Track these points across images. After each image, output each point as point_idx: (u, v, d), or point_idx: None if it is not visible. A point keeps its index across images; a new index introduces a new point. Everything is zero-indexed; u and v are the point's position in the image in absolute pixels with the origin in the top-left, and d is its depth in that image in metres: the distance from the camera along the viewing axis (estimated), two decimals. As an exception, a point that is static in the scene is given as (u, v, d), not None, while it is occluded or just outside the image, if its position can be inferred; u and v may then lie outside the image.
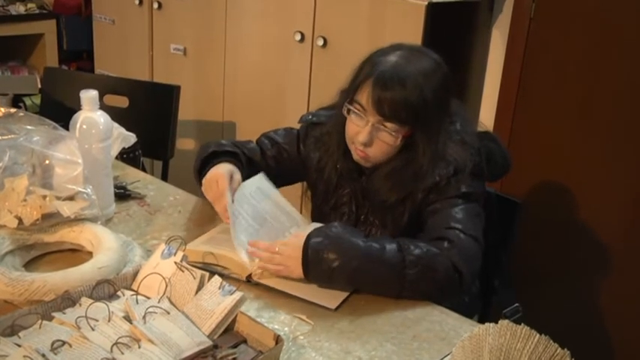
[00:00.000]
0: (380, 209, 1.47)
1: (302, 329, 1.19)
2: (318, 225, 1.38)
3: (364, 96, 1.38)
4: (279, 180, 1.65)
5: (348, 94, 1.42)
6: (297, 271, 1.29)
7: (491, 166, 1.48)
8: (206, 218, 1.56)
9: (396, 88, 1.34)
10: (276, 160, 1.63)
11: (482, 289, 1.63)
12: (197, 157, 1.58)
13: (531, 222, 2.22)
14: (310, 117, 1.62)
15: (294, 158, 1.63)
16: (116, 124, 1.61)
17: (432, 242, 1.33)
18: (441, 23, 2.11)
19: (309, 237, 1.30)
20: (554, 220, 2.32)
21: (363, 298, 1.29)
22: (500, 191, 1.71)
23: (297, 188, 1.72)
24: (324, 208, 1.57)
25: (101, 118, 1.49)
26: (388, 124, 1.37)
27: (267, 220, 1.47)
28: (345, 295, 1.29)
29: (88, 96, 1.46)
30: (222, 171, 1.46)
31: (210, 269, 1.31)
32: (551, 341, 0.94)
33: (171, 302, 1.13)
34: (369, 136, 1.38)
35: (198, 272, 1.16)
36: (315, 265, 1.27)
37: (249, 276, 1.33)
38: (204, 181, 1.49)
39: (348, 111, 1.40)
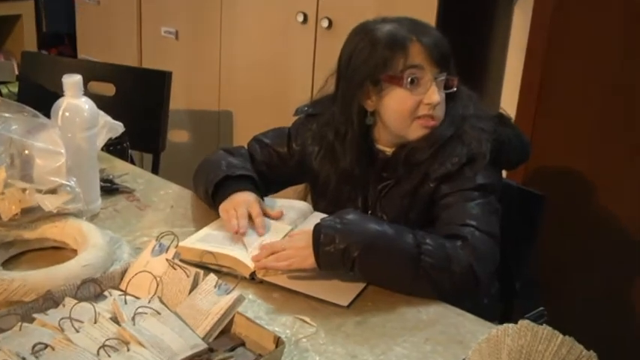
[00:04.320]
0: (391, 203, 1.50)
1: (305, 331, 1.20)
2: (323, 215, 1.41)
3: (409, 57, 1.40)
4: (274, 186, 1.68)
5: (369, 77, 1.44)
6: (309, 259, 1.32)
7: (508, 153, 1.50)
8: (201, 214, 1.58)
9: (432, 30, 1.45)
10: (267, 164, 1.66)
11: (503, 290, 1.64)
12: (202, 171, 1.60)
13: (557, 217, 2.22)
14: (306, 108, 1.65)
15: (287, 160, 1.65)
16: (102, 112, 1.63)
17: (446, 239, 1.35)
18: (456, 1, 2.12)
19: (321, 220, 1.34)
20: (582, 215, 2.31)
21: (371, 298, 1.31)
22: (521, 184, 1.71)
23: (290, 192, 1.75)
24: (328, 209, 1.59)
25: (86, 104, 1.50)
26: (444, 74, 1.43)
27: (270, 228, 1.50)
28: (357, 290, 1.32)
29: (72, 81, 1.47)
30: (251, 198, 1.49)
31: (206, 267, 1.33)
32: (576, 343, 0.95)
33: (162, 302, 1.14)
34: (440, 93, 1.43)
35: (192, 270, 1.17)
36: (326, 246, 1.30)
37: (253, 273, 1.35)
38: (226, 205, 1.49)
39: (409, 82, 1.41)
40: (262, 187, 1.58)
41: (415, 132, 1.46)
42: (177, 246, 1.29)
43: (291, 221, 1.52)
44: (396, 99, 1.44)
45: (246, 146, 1.69)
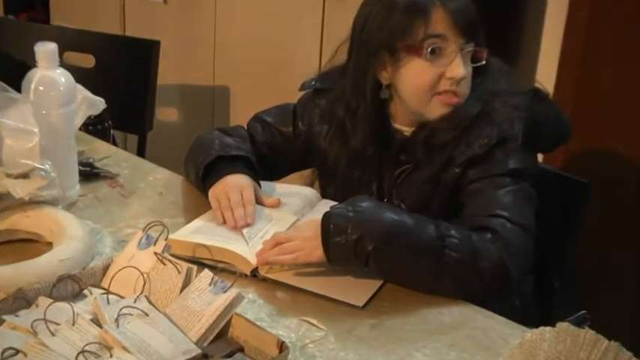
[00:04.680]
0: (410, 190, 1.51)
1: (312, 335, 1.21)
2: (332, 203, 1.42)
3: (430, 24, 1.41)
4: (278, 171, 1.69)
5: (385, 45, 1.44)
6: (317, 252, 1.32)
7: (544, 134, 1.50)
8: (194, 202, 1.58)
9: None
10: (269, 146, 1.67)
11: (539, 290, 1.64)
12: (194, 152, 1.61)
13: (602, 207, 2.21)
14: (314, 82, 1.65)
15: (292, 140, 1.66)
16: (80, 86, 1.63)
17: (473, 231, 1.35)
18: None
19: (330, 208, 1.34)
20: (631, 205, 2.31)
21: (388, 298, 1.31)
22: (560, 169, 1.71)
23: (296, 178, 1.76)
24: (338, 195, 1.59)
25: (62, 77, 1.50)
26: (471, 44, 1.43)
27: (272, 219, 1.50)
28: (373, 289, 1.32)
29: (46, 50, 1.47)
30: (246, 182, 1.51)
31: (200, 262, 1.34)
32: (623, 349, 0.95)
33: (150, 302, 1.14)
34: (465, 66, 1.42)
35: (184, 265, 1.18)
36: (336, 236, 1.30)
37: (255, 270, 1.35)
38: (217, 190, 1.50)
39: (429, 52, 1.42)
40: (263, 172, 1.59)
41: (435, 110, 1.46)
42: (167, 238, 1.30)
43: (296, 210, 1.53)
44: (414, 71, 1.44)
45: (245, 126, 1.70)
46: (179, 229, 1.44)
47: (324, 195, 1.63)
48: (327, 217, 1.33)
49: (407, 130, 1.52)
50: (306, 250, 1.33)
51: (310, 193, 1.61)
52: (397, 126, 1.53)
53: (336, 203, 1.41)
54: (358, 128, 1.52)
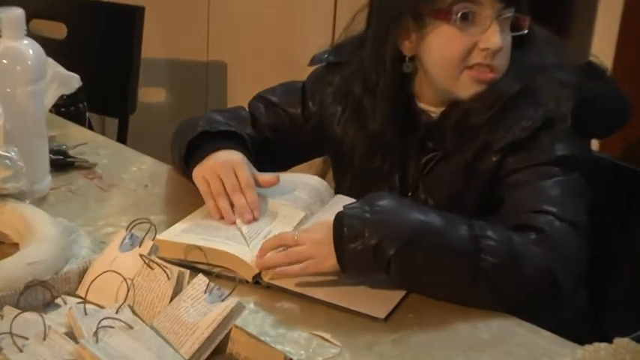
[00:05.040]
0: (439, 183, 1.52)
1: (325, 352, 1.21)
2: (348, 199, 1.43)
3: None
4: (285, 158, 1.71)
5: (408, 9, 1.45)
6: (330, 260, 1.33)
7: (599, 116, 1.50)
8: (185, 197, 1.59)
9: None
10: (273, 129, 1.68)
11: (593, 300, 1.64)
12: (178, 134, 1.63)
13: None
14: (326, 56, 1.66)
15: (301, 124, 1.68)
16: (51, 60, 1.64)
17: (514, 231, 1.36)
18: None
19: (343, 208, 1.34)
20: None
21: (414, 309, 1.32)
22: (618, 158, 1.71)
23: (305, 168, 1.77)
24: (354, 187, 1.62)
25: (29, 49, 1.51)
26: (510, 9, 1.43)
27: (277, 214, 1.52)
28: (395, 299, 1.33)
29: (10, 17, 1.47)
30: (237, 158, 1.52)
31: (193, 266, 1.35)
32: (692, 368, 0.96)
33: (135, 313, 1.15)
34: (502, 35, 1.42)
35: (175, 269, 1.19)
36: (351, 242, 1.30)
37: (258, 275, 1.36)
38: (203, 168, 1.52)
39: (459, 18, 1.42)
40: (267, 160, 1.60)
41: (466, 87, 1.46)
42: (154, 238, 1.30)
43: (304, 205, 1.54)
44: (442, 39, 1.44)
45: (246, 107, 1.71)
46: (168, 228, 1.45)
47: (339, 188, 1.64)
48: (340, 220, 1.33)
49: (434, 112, 1.52)
50: (317, 258, 1.34)
51: (318, 183, 1.61)
52: (423, 106, 1.53)
53: (351, 200, 1.42)
54: (377, 108, 1.52)
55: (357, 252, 1.30)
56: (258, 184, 1.51)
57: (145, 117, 2.51)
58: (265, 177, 1.53)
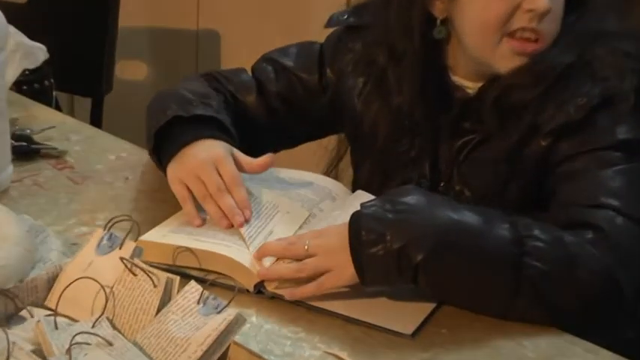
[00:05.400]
0: (477, 172, 1.51)
1: (341, 374, 1.22)
2: (368, 196, 1.42)
3: None
4: (294, 134, 1.73)
5: None
6: (348, 271, 1.33)
7: None
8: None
9: None
10: (284, 99, 1.68)
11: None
12: (149, 114, 1.62)
13: None
14: (346, 17, 1.66)
15: (316, 94, 1.68)
16: (13, 29, 1.65)
17: (567, 230, 1.35)
18: None
19: (360, 207, 1.34)
20: None
21: (446, 324, 1.32)
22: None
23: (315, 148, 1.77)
24: (375, 174, 1.62)
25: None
26: None
27: (278, 209, 1.52)
28: (424, 312, 1.33)
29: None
30: (218, 151, 1.50)
31: (184, 272, 1.35)
32: None
33: (115, 327, 1.16)
34: None
35: (162, 275, 1.19)
36: (371, 246, 1.30)
37: (261, 284, 1.36)
38: (179, 170, 1.51)
39: None
40: (273, 136, 1.63)
41: (504, 60, 1.47)
42: (137, 239, 1.31)
43: (309, 204, 1.54)
44: (478, 1, 1.45)
45: (249, 70, 1.71)
46: (154, 227, 1.45)
47: (357, 177, 1.65)
48: (356, 221, 1.33)
49: (471, 87, 1.52)
50: (335, 269, 1.34)
51: (328, 183, 1.61)
52: (457, 80, 1.53)
53: (369, 197, 1.42)
54: (404, 81, 1.52)
55: (378, 258, 1.30)
56: (247, 170, 1.51)
57: (123, 96, 2.51)
58: (257, 160, 1.52)
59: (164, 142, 1.54)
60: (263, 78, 1.68)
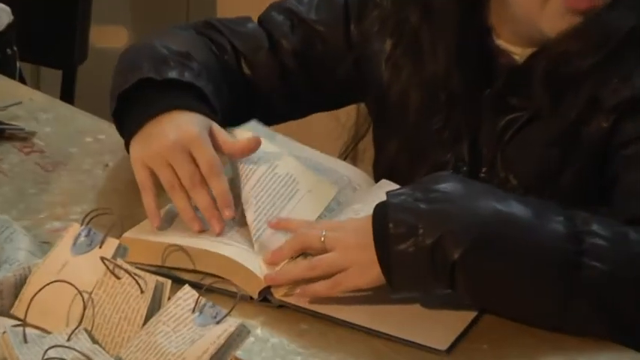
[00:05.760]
0: (526, 155, 1.52)
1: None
2: (395, 186, 1.42)
3: None
4: (306, 99, 1.73)
5: None
6: (372, 271, 1.33)
7: None
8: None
9: None
10: (298, 56, 1.68)
11: None
12: (117, 72, 1.62)
13: None
14: None
15: (339, 53, 1.68)
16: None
17: (632, 225, 1.35)
18: None
19: (387, 196, 1.34)
20: None
21: (488, 336, 1.32)
22: None
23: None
24: (402, 156, 1.63)
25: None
26: None
27: (298, 186, 1.51)
28: (463, 323, 1.33)
29: None
30: (192, 129, 1.47)
31: (176, 276, 1.36)
32: None
33: (94, 340, 1.15)
34: None
35: (151, 279, 1.19)
36: (399, 241, 1.30)
37: (267, 290, 1.36)
38: (145, 152, 1.48)
39: None
40: (282, 101, 1.63)
41: (554, 17, 1.46)
42: (120, 237, 1.31)
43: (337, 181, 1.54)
44: None
45: (254, 19, 1.71)
46: (139, 223, 1.46)
47: (380, 159, 1.66)
48: (382, 212, 1.33)
49: (519, 53, 1.52)
50: (354, 268, 1.34)
51: (348, 170, 1.60)
52: (502, 44, 1.54)
53: (396, 186, 1.42)
54: (439, 44, 1.53)
55: (408, 256, 1.30)
56: (225, 152, 1.49)
57: (99, 67, 2.50)
58: (239, 143, 1.49)
59: (130, 108, 1.54)
60: (274, 31, 1.68)
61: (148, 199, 1.45)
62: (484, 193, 1.36)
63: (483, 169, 1.55)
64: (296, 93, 1.67)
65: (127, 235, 1.37)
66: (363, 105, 1.74)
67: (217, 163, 1.45)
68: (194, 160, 1.44)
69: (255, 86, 1.64)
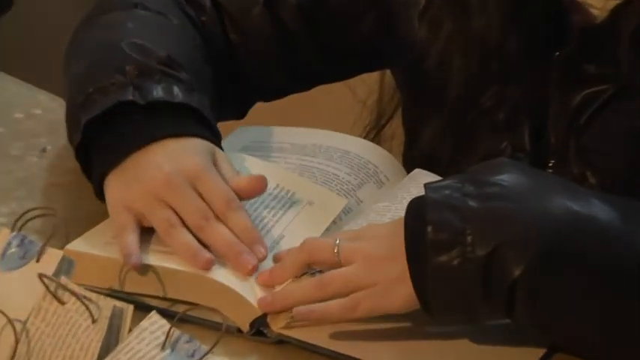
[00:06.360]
0: (607, 142, 1.52)
1: None
2: (432, 177, 1.43)
3: None
4: (316, 70, 1.74)
5: None
6: (401, 290, 1.32)
7: None
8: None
9: None
10: (305, 13, 1.70)
11: None
12: (72, 81, 1.61)
13: None
14: None
15: (358, 5, 1.69)
16: None
17: None
18: None
19: (425, 189, 1.33)
20: None
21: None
22: None
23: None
24: (442, 144, 1.63)
25: None
26: None
27: (295, 197, 1.52)
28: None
29: None
30: (197, 158, 1.47)
31: (139, 301, 1.36)
32: None
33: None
34: None
35: (107, 304, 1.19)
36: (440, 250, 1.29)
37: (261, 320, 1.36)
38: (127, 193, 1.46)
39: None
40: (286, 67, 1.64)
41: None
42: (65, 247, 1.32)
43: (346, 188, 1.55)
44: None
45: None
46: (90, 229, 1.46)
47: (413, 146, 1.67)
48: (416, 211, 1.32)
49: (597, 7, 1.52)
50: (378, 287, 1.33)
51: (372, 154, 1.61)
52: None
53: (434, 177, 1.42)
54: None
55: (451, 271, 1.29)
56: (233, 188, 1.48)
57: (29, 17, 2.53)
58: (247, 179, 1.49)
59: (101, 135, 1.50)
60: None
61: (130, 237, 1.42)
62: (556, 189, 1.35)
63: (551, 163, 1.56)
64: (299, 61, 1.68)
65: (73, 245, 1.38)
66: (388, 75, 1.74)
67: (233, 197, 1.45)
68: (202, 197, 1.44)
69: (245, 54, 1.65)
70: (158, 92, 1.51)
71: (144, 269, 1.39)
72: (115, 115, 1.49)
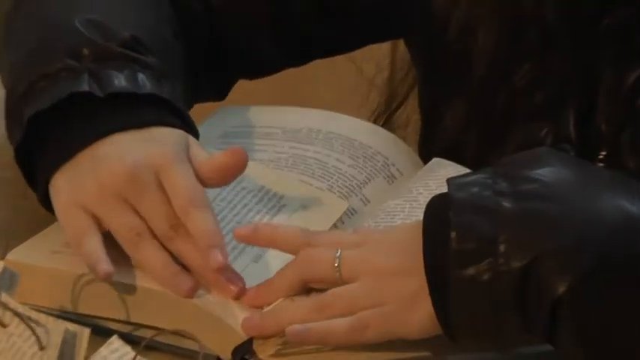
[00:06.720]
0: None
1: None
2: (455, 168, 1.42)
3: None
4: (316, 41, 1.75)
5: None
6: (417, 311, 1.30)
7: None
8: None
9: None
10: None
11: None
12: (12, 71, 1.59)
13: None
14: None
15: None
16: None
17: None
18: None
19: (448, 185, 1.31)
20: None
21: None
22: None
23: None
24: (468, 131, 1.63)
25: None
26: None
27: (283, 200, 1.52)
28: None
29: None
30: (165, 148, 1.45)
31: (96, 324, 1.35)
32: None
33: None
34: None
35: (57, 326, 1.17)
36: (466, 262, 1.28)
37: (246, 347, 1.35)
38: (80, 192, 1.44)
39: None
40: (275, 43, 1.64)
41: None
42: (5, 258, 1.32)
43: (347, 186, 1.54)
44: None
45: None
46: (37, 234, 1.45)
47: (432, 134, 1.66)
48: (438, 212, 1.31)
49: None
50: (392, 306, 1.32)
51: (382, 142, 1.61)
52: None
53: (463, 171, 1.41)
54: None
55: (479, 287, 1.28)
56: (204, 175, 1.46)
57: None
58: (220, 157, 1.47)
59: (46, 128, 1.49)
60: None
61: (93, 242, 1.39)
62: (607, 185, 1.35)
63: (601, 154, 1.55)
64: (293, 24, 1.68)
65: (14, 254, 1.37)
66: (402, 47, 1.74)
67: (199, 194, 1.43)
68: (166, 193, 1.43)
69: (227, 20, 1.65)
70: (120, 81, 1.50)
71: (101, 286, 1.37)
72: (65, 108, 1.47)
